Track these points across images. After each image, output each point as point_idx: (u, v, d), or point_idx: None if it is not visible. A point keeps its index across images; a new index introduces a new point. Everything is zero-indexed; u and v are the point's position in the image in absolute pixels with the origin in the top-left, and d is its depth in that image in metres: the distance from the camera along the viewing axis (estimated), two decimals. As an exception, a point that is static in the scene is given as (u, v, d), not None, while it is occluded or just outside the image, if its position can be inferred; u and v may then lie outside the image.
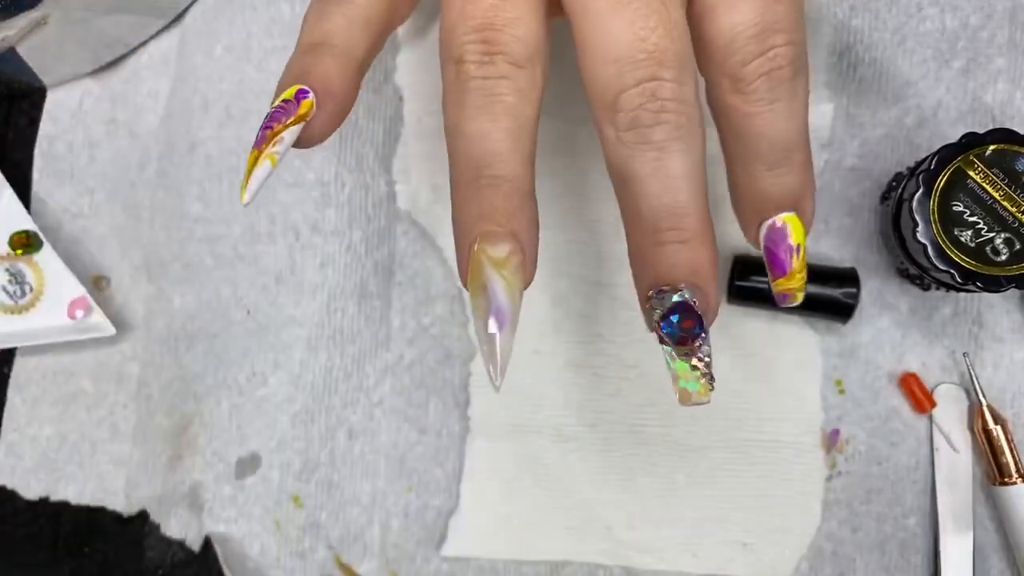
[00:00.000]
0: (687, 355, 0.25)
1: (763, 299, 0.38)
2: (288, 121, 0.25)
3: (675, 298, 0.25)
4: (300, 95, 0.25)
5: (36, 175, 0.43)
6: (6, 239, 0.42)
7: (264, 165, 0.24)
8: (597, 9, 0.25)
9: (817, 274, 0.38)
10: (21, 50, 0.40)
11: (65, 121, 0.43)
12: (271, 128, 0.25)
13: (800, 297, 0.28)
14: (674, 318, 0.25)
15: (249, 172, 0.24)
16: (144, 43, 0.43)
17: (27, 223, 0.42)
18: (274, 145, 0.24)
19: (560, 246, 0.40)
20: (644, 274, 0.25)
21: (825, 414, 0.39)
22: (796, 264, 0.27)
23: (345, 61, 0.26)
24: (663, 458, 0.39)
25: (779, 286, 0.28)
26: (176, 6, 0.42)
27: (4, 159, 0.43)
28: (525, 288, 0.25)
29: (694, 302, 0.25)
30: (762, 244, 0.28)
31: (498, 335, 0.24)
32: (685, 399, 0.26)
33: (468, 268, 0.25)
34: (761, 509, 0.39)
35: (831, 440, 0.39)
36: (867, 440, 0.38)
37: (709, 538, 0.39)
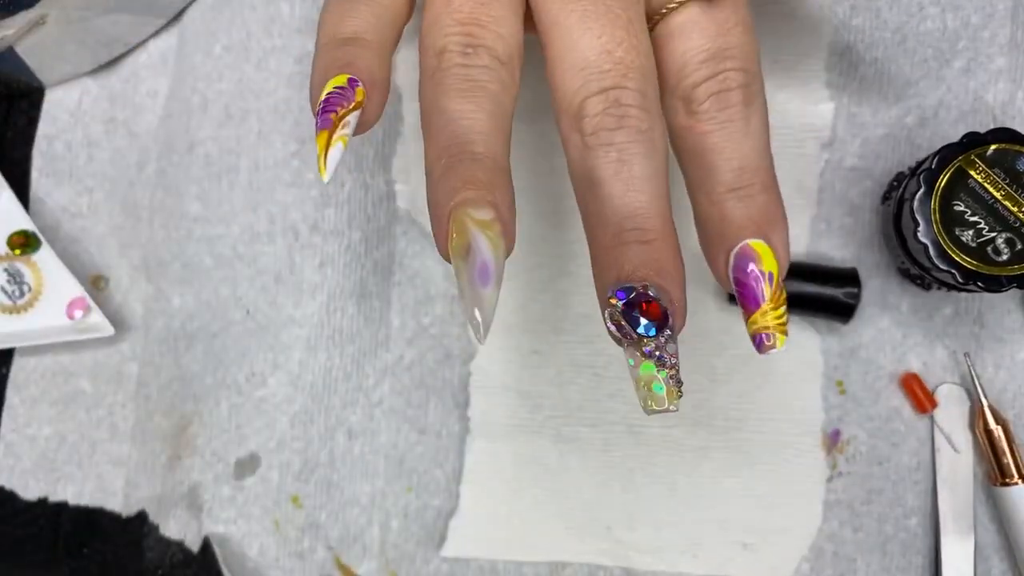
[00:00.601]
0: (652, 356, 0.24)
1: (764, 299, 0.38)
2: (350, 106, 0.25)
3: (635, 292, 0.24)
4: (352, 83, 0.25)
5: (35, 175, 0.43)
6: (5, 239, 0.41)
7: (338, 146, 0.25)
8: (568, 23, 0.26)
9: (818, 274, 0.38)
10: (20, 50, 0.40)
11: (64, 121, 0.43)
12: (335, 112, 0.25)
13: (782, 341, 0.25)
14: (636, 311, 0.24)
15: (323, 154, 0.25)
16: (143, 43, 0.43)
17: (26, 223, 0.42)
18: (343, 128, 0.25)
19: (561, 246, 0.40)
20: (606, 274, 0.25)
21: (826, 414, 0.39)
22: (769, 296, 0.25)
23: (381, 53, 0.27)
24: (663, 458, 0.39)
25: (753, 324, 0.26)
26: (175, 5, 0.42)
27: (3, 159, 0.43)
28: (507, 256, 0.25)
29: (658, 297, 0.24)
30: (730, 276, 0.26)
31: (485, 291, 0.24)
32: (650, 405, 0.24)
33: (449, 231, 0.24)
34: (762, 510, 0.39)
35: (832, 440, 0.39)
36: (868, 440, 0.38)
37: (709, 538, 0.39)
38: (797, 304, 0.38)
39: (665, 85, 0.27)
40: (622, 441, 0.39)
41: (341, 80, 0.25)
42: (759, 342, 0.26)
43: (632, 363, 0.24)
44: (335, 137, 0.25)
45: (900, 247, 0.36)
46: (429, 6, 0.27)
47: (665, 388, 0.24)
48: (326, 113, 0.25)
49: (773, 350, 0.25)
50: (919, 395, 0.38)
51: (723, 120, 0.26)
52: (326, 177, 0.25)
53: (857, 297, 0.37)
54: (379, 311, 0.41)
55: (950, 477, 0.38)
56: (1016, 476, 0.36)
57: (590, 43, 0.25)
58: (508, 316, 0.40)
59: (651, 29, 0.27)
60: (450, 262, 0.24)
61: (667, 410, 0.24)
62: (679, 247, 0.26)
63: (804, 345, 0.39)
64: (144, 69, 0.43)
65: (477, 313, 0.23)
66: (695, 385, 0.39)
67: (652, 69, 0.26)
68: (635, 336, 0.24)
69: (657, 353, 0.24)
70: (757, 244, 0.26)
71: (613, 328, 0.24)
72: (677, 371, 0.24)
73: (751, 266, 0.26)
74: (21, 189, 0.43)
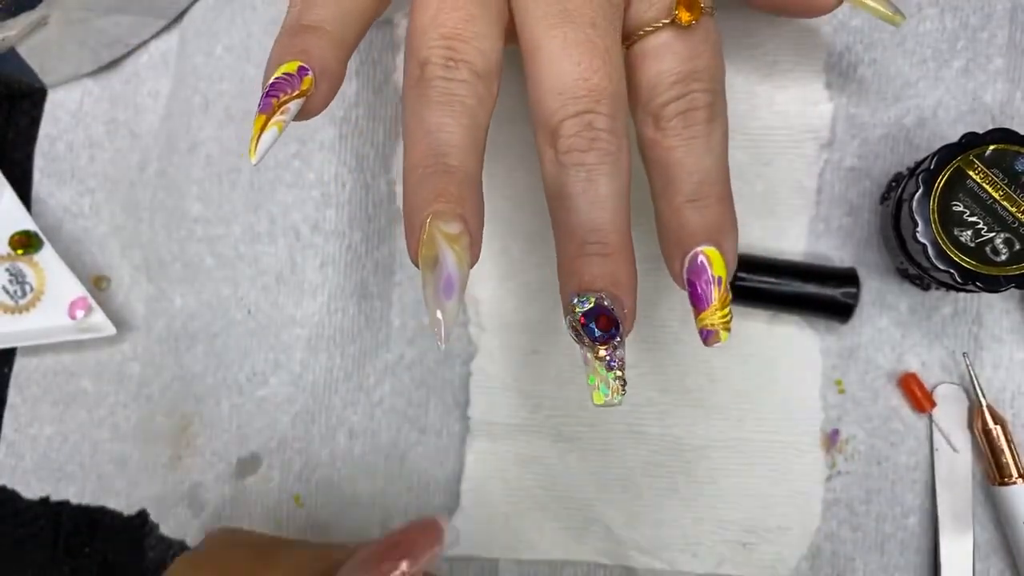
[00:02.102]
0: (604, 358, 0.27)
1: (763, 299, 0.38)
2: (293, 93, 0.26)
3: (594, 303, 0.27)
4: (302, 72, 0.26)
5: (37, 175, 0.43)
6: (6, 239, 0.42)
7: (272, 131, 0.26)
8: (550, 48, 0.28)
9: (817, 274, 0.38)
10: (21, 50, 0.40)
11: (65, 121, 0.43)
12: (277, 97, 0.26)
13: (725, 336, 0.29)
14: (591, 318, 0.27)
15: (256, 136, 0.26)
16: (144, 43, 0.43)
17: (27, 223, 0.42)
18: (281, 114, 0.26)
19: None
20: (569, 282, 0.28)
21: (825, 414, 0.39)
22: (717, 297, 0.29)
23: (339, 44, 0.28)
24: (663, 458, 0.39)
25: (701, 321, 0.29)
26: (176, 6, 0.42)
27: (5, 159, 0.43)
28: (471, 268, 0.27)
29: (611, 308, 0.27)
30: (684, 278, 0.29)
31: (447, 303, 0.26)
32: (598, 400, 0.28)
33: (420, 242, 0.26)
34: (761, 509, 0.39)
35: (831, 440, 0.39)
36: (867, 440, 0.38)
37: (709, 538, 0.39)
38: (796, 304, 0.38)
39: (637, 100, 0.30)
40: (622, 441, 0.39)
41: (292, 67, 0.26)
42: (705, 336, 0.29)
43: (585, 363, 0.28)
44: (271, 122, 0.26)
45: (899, 247, 0.36)
46: (417, 14, 0.28)
47: (611, 387, 0.28)
48: (268, 97, 0.26)
49: (718, 343, 0.29)
50: (918, 395, 0.38)
51: (688, 137, 0.29)
52: (255, 160, 0.26)
53: (856, 297, 0.37)
54: (380, 311, 0.41)
55: (949, 477, 0.38)
56: (1015, 475, 0.36)
57: (569, 69, 0.27)
58: (508, 316, 0.40)
59: (627, 47, 0.29)
60: (417, 266, 0.26)
61: (612, 404, 0.28)
62: (634, 260, 0.28)
63: (803, 345, 0.39)
64: (145, 70, 0.43)
65: (440, 320, 0.26)
66: (694, 385, 0.39)
67: (623, 94, 0.28)
68: (589, 342, 0.27)
69: (607, 358, 0.27)
70: (709, 251, 0.29)
71: (571, 333, 0.28)
72: (623, 372, 0.28)
73: (703, 272, 0.29)
74: (23, 189, 0.43)
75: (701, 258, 0.29)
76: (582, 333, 0.27)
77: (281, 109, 0.26)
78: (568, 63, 0.27)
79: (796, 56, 0.39)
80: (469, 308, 0.40)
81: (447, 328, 0.26)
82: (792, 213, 0.39)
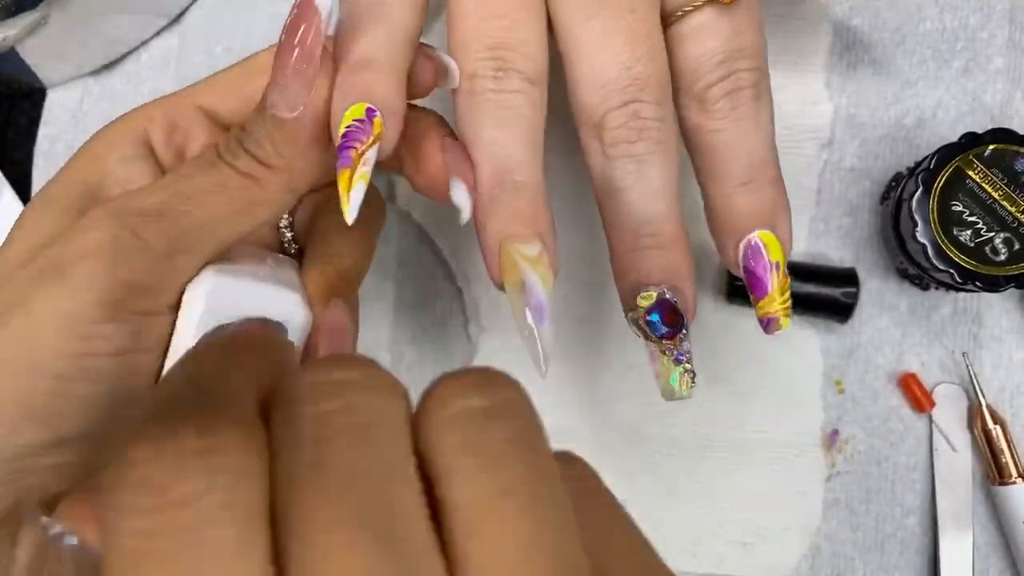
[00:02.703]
0: (669, 351, 0.27)
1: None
2: (369, 141, 0.25)
3: (656, 298, 0.27)
4: (370, 114, 0.25)
5: (36, 175, 0.43)
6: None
7: (359, 186, 0.25)
8: (588, 40, 0.27)
9: (817, 274, 0.38)
10: (21, 50, 0.40)
11: (65, 121, 0.43)
12: (354, 148, 0.25)
13: (786, 323, 0.28)
14: (656, 316, 0.27)
15: (346, 193, 0.25)
16: (144, 43, 0.43)
17: (27, 223, 0.42)
18: (363, 166, 0.25)
19: (561, 247, 0.40)
20: (626, 277, 0.28)
21: (825, 414, 0.39)
22: (777, 283, 0.28)
23: (396, 76, 0.26)
24: (663, 458, 0.39)
25: (761, 309, 0.28)
26: (176, 6, 0.42)
27: (4, 159, 0.43)
28: (553, 284, 0.27)
29: (674, 301, 0.27)
30: (740, 265, 0.28)
31: (542, 328, 0.26)
32: (668, 394, 0.27)
33: (503, 268, 0.26)
34: (761, 509, 0.39)
35: (831, 440, 0.39)
36: (867, 440, 0.38)
37: (709, 538, 0.39)
38: (796, 304, 0.38)
39: (679, 83, 0.28)
40: (622, 441, 0.39)
41: (359, 111, 0.25)
42: (766, 324, 0.28)
43: (652, 359, 0.27)
44: (356, 176, 0.25)
45: (899, 247, 0.36)
46: (455, 27, 0.27)
47: (679, 380, 0.27)
48: (346, 149, 0.25)
49: (779, 331, 0.28)
50: (917, 395, 0.38)
51: (735, 118, 0.28)
52: (350, 219, 0.25)
53: (856, 297, 0.37)
54: (380, 311, 0.41)
55: (948, 476, 0.38)
56: (1014, 475, 0.36)
57: (610, 60, 0.26)
58: (508, 316, 0.40)
59: (666, 28, 0.28)
60: (502, 290, 0.26)
61: (682, 397, 0.27)
62: (690, 247, 0.28)
63: (803, 345, 0.39)
64: (145, 69, 0.43)
65: (539, 350, 0.26)
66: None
67: (667, 77, 0.27)
68: (655, 338, 0.27)
69: (675, 352, 0.27)
70: (765, 235, 0.28)
71: (635, 330, 0.27)
72: (691, 364, 0.27)
73: (761, 258, 0.28)
74: (23, 189, 0.43)
75: (757, 243, 0.28)
76: (647, 331, 0.27)
77: (362, 160, 0.25)
78: (609, 53, 0.26)
79: (796, 56, 0.39)
80: (469, 308, 0.40)
81: (547, 354, 0.26)
82: (792, 213, 0.39)
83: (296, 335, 0.27)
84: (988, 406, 0.37)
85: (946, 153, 0.34)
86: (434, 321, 0.41)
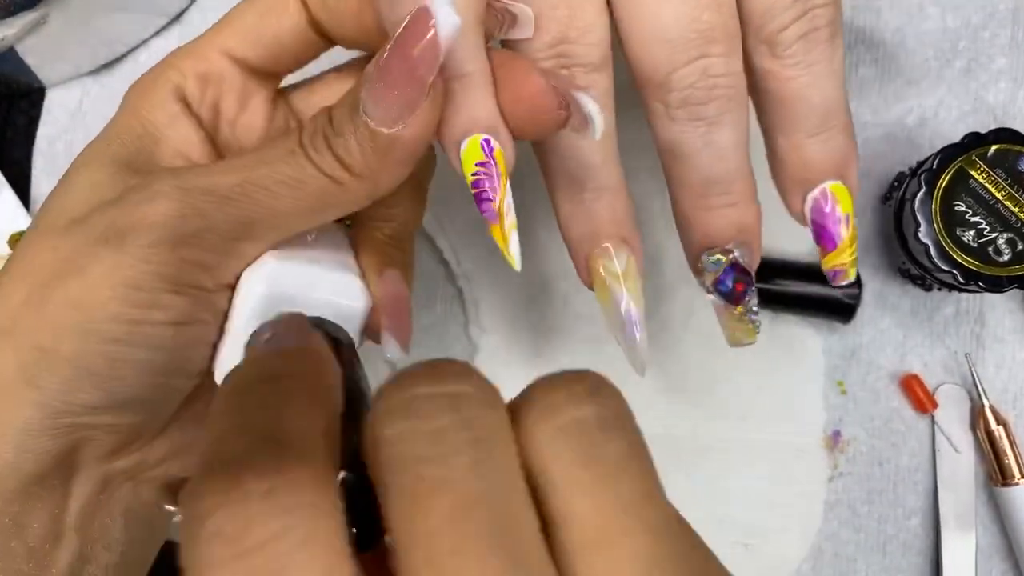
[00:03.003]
0: (742, 313, 0.27)
1: (765, 299, 0.38)
2: (501, 185, 0.24)
3: (726, 263, 0.27)
4: (488, 148, 0.24)
5: (35, 175, 0.43)
6: (5, 239, 0.41)
7: (513, 236, 0.25)
8: None
9: (819, 274, 0.37)
10: (20, 49, 0.40)
11: (65, 121, 0.43)
12: (491, 200, 0.24)
13: (853, 274, 0.27)
14: (729, 281, 0.27)
15: (505, 247, 0.25)
16: (144, 42, 0.43)
17: (27, 223, 0.42)
18: (508, 215, 0.24)
19: (562, 248, 0.40)
20: (695, 237, 0.27)
21: (827, 415, 0.38)
22: (847, 235, 0.26)
23: (491, 87, 0.24)
24: (663, 458, 0.39)
25: (829, 262, 0.27)
26: (176, 5, 0.42)
27: (3, 159, 0.43)
28: (642, 286, 0.27)
29: (743, 259, 0.27)
30: (808, 217, 0.27)
31: (637, 338, 0.27)
32: (735, 342, 0.28)
33: (593, 283, 0.27)
34: (762, 510, 0.38)
35: (833, 441, 0.38)
36: (869, 441, 0.38)
37: (710, 538, 0.39)
38: (798, 304, 0.38)
39: (747, 25, 0.26)
40: (623, 441, 0.39)
41: (476, 150, 0.24)
42: (833, 275, 0.27)
43: (718, 312, 0.28)
44: (507, 229, 0.24)
45: (901, 247, 0.36)
46: None
47: (746, 330, 0.28)
48: (484, 203, 0.24)
49: (845, 281, 0.27)
50: (920, 395, 0.38)
51: (810, 63, 0.25)
52: (517, 266, 0.25)
53: (858, 297, 0.37)
54: (380, 311, 0.41)
55: (951, 478, 0.38)
56: (1017, 476, 0.36)
57: (672, 10, 0.24)
58: (508, 317, 0.40)
59: None
60: (592, 289, 0.27)
61: (747, 344, 0.28)
62: (757, 198, 0.27)
63: (805, 345, 0.39)
64: (145, 69, 0.43)
65: (639, 358, 0.27)
66: (696, 385, 0.39)
67: (736, 22, 0.25)
68: (726, 302, 0.27)
69: (745, 312, 0.27)
70: (836, 187, 0.26)
71: (705, 291, 0.28)
72: (758, 314, 0.28)
73: (832, 211, 0.26)
74: (22, 189, 0.43)
75: (828, 194, 0.26)
76: (718, 295, 0.27)
77: (506, 212, 0.24)
78: (670, 5, 0.24)
79: (798, 55, 0.39)
80: (469, 308, 0.40)
81: (644, 360, 0.27)
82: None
83: (356, 320, 0.26)
84: (991, 407, 0.37)
85: (949, 153, 0.33)
86: (434, 321, 0.40)
